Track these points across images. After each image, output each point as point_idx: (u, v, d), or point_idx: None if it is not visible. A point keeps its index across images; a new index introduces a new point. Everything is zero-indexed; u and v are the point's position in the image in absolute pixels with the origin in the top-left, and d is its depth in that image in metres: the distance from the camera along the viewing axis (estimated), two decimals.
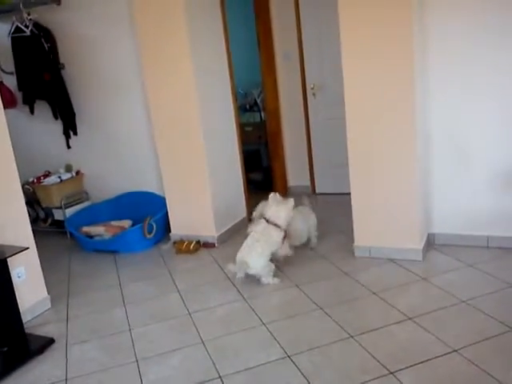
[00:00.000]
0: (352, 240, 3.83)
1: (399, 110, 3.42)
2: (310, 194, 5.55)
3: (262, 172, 5.94)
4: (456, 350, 2.53)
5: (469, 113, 3.55)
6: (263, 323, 3.03)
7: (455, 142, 3.65)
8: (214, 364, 2.68)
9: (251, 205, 4.97)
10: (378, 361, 2.53)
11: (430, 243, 3.83)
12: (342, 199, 4.68)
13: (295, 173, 5.66)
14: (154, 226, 4.47)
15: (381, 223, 3.69)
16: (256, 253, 3.50)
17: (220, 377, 2.57)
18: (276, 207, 3.63)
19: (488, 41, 3.38)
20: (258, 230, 3.61)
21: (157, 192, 4.90)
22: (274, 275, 3.57)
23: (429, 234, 3.83)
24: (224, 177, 4.54)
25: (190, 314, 3.26)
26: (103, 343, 3.04)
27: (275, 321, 3.05)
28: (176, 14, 3.99)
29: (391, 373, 2.42)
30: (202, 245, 4.39)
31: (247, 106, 5.92)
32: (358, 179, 3.68)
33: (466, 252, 3.63)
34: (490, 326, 2.71)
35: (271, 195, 3.72)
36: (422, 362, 2.47)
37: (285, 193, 5.69)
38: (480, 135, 3.56)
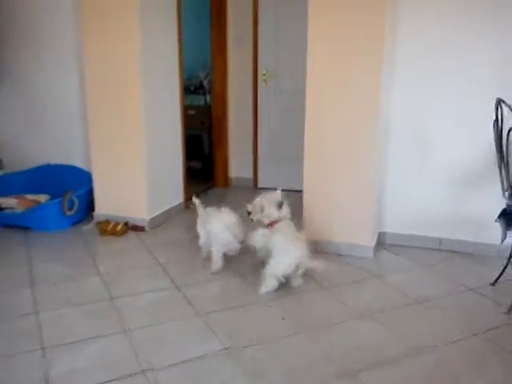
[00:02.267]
0: None
1: (364, 102, 3.18)
2: (251, 188, 5.21)
3: (201, 160, 5.52)
4: (420, 352, 2.25)
5: (431, 108, 3.37)
6: (199, 314, 2.62)
7: (415, 137, 3.45)
8: (137, 356, 2.23)
9: (189, 192, 4.55)
10: (334, 360, 2.20)
11: (380, 242, 3.59)
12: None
13: (238, 163, 5.28)
14: (76, 202, 3.92)
15: (332, 216, 3.40)
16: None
17: (143, 371, 2.12)
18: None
19: (455, 31, 3.23)
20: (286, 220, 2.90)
21: (82, 167, 4.35)
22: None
23: (379, 233, 3.59)
24: (162, 156, 4.08)
25: (111, 300, 2.78)
26: (2, 327, 2.49)
27: (213, 312, 2.64)
28: None
29: (350, 373, 2.10)
30: (130, 227, 3.90)
31: (191, 88, 5.48)
32: (312, 168, 3.39)
33: (418, 253, 3.42)
34: (453, 328, 2.47)
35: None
36: (385, 363, 2.16)
37: (225, 184, 5.30)
38: (440, 132, 3.38)
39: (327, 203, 3.39)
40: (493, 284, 2.94)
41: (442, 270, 3.15)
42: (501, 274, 2.93)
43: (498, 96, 2.62)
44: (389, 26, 3.15)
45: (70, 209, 3.90)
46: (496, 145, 2.65)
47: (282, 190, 2.99)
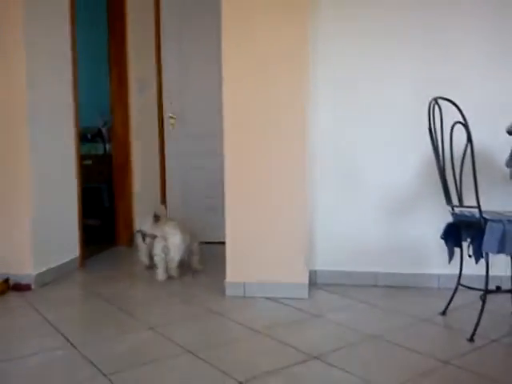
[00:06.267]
0: (218, 283, 3.04)
1: (290, 137, 2.94)
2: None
3: (100, 216, 4.88)
4: None
5: (358, 137, 3.18)
6: (104, 374, 1.99)
7: (341, 164, 3.22)
8: None
9: (85, 250, 3.88)
10: None
11: (312, 282, 3.19)
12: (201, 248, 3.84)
13: (145, 217, 4.70)
14: None
15: (260, 256, 2.98)
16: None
17: None
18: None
19: (379, 52, 3.14)
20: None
21: None
22: None
23: (310, 271, 3.21)
24: (52, 210, 3.45)
25: None
26: None
27: (123, 370, 2.02)
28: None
29: None
30: (12, 287, 3.15)
31: (88, 136, 4.94)
32: (235, 208, 3.00)
33: (355, 290, 3.05)
34: (420, 361, 2.07)
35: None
36: None
37: (129, 243, 4.63)
38: (368, 156, 3.18)
39: (253, 244, 2.98)
40: (443, 313, 2.63)
41: (385, 305, 2.80)
42: (449, 302, 2.63)
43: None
44: (311, 46, 2.99)
45: None
46: (435, 154, 2.44)
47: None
